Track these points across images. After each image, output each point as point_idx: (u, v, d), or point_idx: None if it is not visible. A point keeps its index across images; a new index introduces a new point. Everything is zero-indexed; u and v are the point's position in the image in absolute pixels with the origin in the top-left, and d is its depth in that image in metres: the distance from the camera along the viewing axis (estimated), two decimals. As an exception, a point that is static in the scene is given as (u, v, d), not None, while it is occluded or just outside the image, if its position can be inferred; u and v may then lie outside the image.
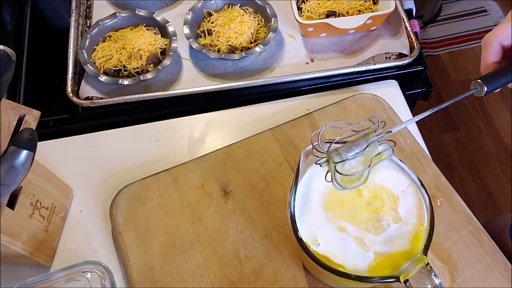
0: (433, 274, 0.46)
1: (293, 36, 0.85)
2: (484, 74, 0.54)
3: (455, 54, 1.80)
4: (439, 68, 1.77)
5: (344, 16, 0.82)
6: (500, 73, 0.52)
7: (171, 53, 0.79)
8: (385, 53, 0.82)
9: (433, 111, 0.49)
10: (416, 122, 0.75)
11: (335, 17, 0.81)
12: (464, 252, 0.61)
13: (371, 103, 0.73)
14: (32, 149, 0.52)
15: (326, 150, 0.49)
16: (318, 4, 0.82)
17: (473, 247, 0.62)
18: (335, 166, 0.48)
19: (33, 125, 0.56)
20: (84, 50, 0.79)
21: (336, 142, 0.53)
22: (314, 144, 0.50)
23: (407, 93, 0.80)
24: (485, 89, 0.50)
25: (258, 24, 0.84)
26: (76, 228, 0.68)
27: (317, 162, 0.50)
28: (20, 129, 0.54)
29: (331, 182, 0.49)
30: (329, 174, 0.49)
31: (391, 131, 0.49)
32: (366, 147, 0.48)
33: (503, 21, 0.55)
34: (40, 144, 0.54)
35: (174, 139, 0.75)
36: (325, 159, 0.49)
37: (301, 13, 0.82)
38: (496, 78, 0.51)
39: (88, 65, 0.78)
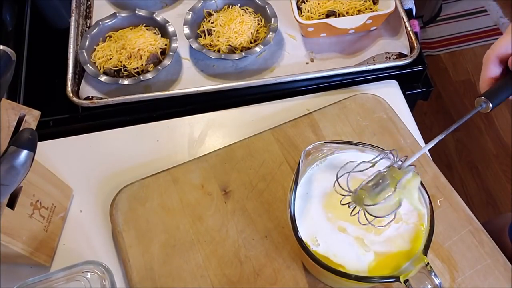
0: (433, 274, 0.46)
1: (293, 36, 0.85)
2: (482, 89, 0.54)
3: (455, 54, 1.80)
4: (439, 68, 1.77)
5: (344, 16, 0.82)
6: (502, 87, 0.52)
7: (171, 53, 0.79)
8: (385, 53, 0.82)
9: (447, 132, 0.49)
10: (416, 122, 0.75)
11: (335, 17, 0.81)
12: (464, 252, 0.61)
13: (371, 103, 0.73)
14: (32, 149, 0.52)
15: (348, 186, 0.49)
16: (318, 4, 0.82)
17: (473, 247, 0.62)
18: (366, 206, 0.48)
19: (33, 125, 0.56)
20: (84, 50, 0.79)
21: (336, 142, 0.53)
22: (336, 187, 0.50)
23: (407, 93, 0.80)
24: (491, 105, 0.51)
25: (258, 24, 0.84)
26: (76, 228, 0.68)
27: (343, 203, 0.50)
28: (20, 129, 0.54)
29: (365, 221, 0.49)
30: (361, 215, 0.49)
31: (406, 159, 0.49)
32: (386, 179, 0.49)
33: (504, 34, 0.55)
34: (40, 144, 0.54)
35: (174, 139, 0.75)
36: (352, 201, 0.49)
37: (301, 13, 0.82)
38: (499, 92, 0.52)
39: (88, 65, 0.78)
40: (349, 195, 0.50)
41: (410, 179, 0.48)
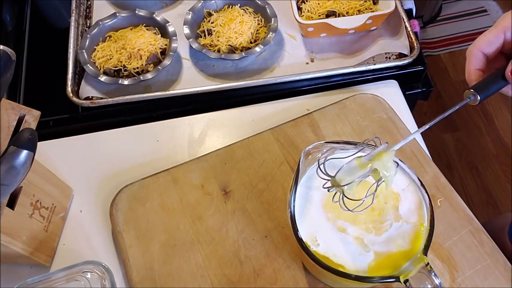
0: (433, 274, 0.46)
1: (293, 36, 0.85)
2: (468, 80, 0.56)
3: (455, 54, 1.80)
4: (439, 68, 1.77)
5: (344, 16, 0.82)
6: (490, 81, 0.54)
7: (171, 53, 0.79)
8: (385, 53, 0.82)
9: (431, 124, 0.51)
10: (416, 122, 0.75)
11: (335, 17, 0.81)
12: (464, 252, 0.61)
13: (371, 103, 0.73)
14: (32, 149, 0.52)
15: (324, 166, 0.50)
16: (318, 4, 0.82)
17: (473, 247, 0.62)
18: (343, 189, 0.49)
19: (33, 125, 0.56)
20: (84, 50, 0.79)
21: (336, 142, 0.53)
22: (319, 171, 0.51)
23: (407, 93, 0.80)
24: (479, 97, 0.52)
25: (258, 24, 0.84)
26: (76, 228, 0.68)
27: (324, 187, 0.51)
28: (20, 129, 0.54)
29: (340, 203, 0.49)
30: (337, 197, 0.50)
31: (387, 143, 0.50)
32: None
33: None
34: (40, 144, 0.54)
35: (174, 139, 0.75)
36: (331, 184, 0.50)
37: (301, 13, 0.82)
38: (487, 86, 0.53)
39: (88, 65, 0.78)
40: (329, 180, 0.50)
41: (381, 151, 0.49)
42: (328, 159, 0.52)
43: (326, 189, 0.52)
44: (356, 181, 0.49)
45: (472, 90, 0.52)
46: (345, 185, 0.48)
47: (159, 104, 0.79)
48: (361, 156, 0.50)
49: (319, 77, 0.79)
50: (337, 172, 0.49)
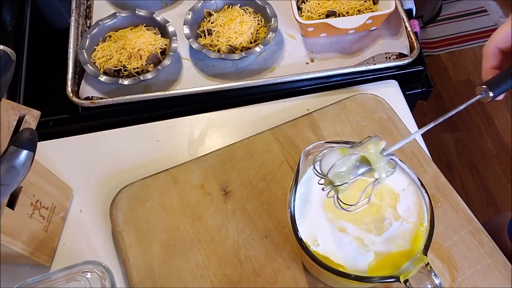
0: (433, 274, 0.46)
1: (293, 36, 0.85)
2: (485, 79, 0.54)
3: (455, 54, 1.80)
4: (439, 68, 1.77)
5: (344, 16, 0.82)
6: (504, 77, 0.51)
7: (171, 53, 0.79)
8: (385, 53, 0.82)
9: (439, 121, 0.49)
10: (416, 122, 0.75)
11: (335, 17, 0.81)
12: (464, 252, 0.61)
13: (371, 103, 0.73)
14: (32, 149, 0.52)
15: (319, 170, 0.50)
16: (318, 4, 0.82)
17: (473, 247, 0.62)
18: (336, 188, 0.48)
19: (33, 125, 0.56)
20: (84, 50, 0.79)
21: (336, 142, 0.53)
22: (315, 170, 0.50)
23: (407, 93, 0.80)
24: (491, 94, 0.50)
25: (258, 24, 0.84)
26: (76, 228, 0.68)
27: (319, 183, 0.50)
28: (20, 129, 0.54)
29: (337, 204, 0.49)
30: (335, 196, 0.50)
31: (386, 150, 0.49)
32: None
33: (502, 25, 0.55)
34: (40, 144, 0.54)
35: (174, 139, 0.75)
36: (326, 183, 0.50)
37: (301, 13, 0.82)
38: (501, 82, 0.51)
39: (88, 65, 0.78)
40: (323, 178, 0.50)
41: (368, 142, 0.48)
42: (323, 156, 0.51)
43: (324, 189, 0.52)
44: (337, 166, 0.48)
45: (484, 86, 0.50)
46: (328, 170, 0.48)
47: (159, 104, 0.79)
48: (345, 147, 0.49)
49: (319, 77, 0.79)
50: (320, 163, 0.49)
